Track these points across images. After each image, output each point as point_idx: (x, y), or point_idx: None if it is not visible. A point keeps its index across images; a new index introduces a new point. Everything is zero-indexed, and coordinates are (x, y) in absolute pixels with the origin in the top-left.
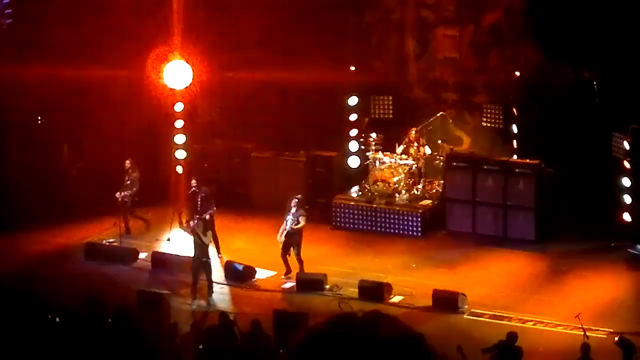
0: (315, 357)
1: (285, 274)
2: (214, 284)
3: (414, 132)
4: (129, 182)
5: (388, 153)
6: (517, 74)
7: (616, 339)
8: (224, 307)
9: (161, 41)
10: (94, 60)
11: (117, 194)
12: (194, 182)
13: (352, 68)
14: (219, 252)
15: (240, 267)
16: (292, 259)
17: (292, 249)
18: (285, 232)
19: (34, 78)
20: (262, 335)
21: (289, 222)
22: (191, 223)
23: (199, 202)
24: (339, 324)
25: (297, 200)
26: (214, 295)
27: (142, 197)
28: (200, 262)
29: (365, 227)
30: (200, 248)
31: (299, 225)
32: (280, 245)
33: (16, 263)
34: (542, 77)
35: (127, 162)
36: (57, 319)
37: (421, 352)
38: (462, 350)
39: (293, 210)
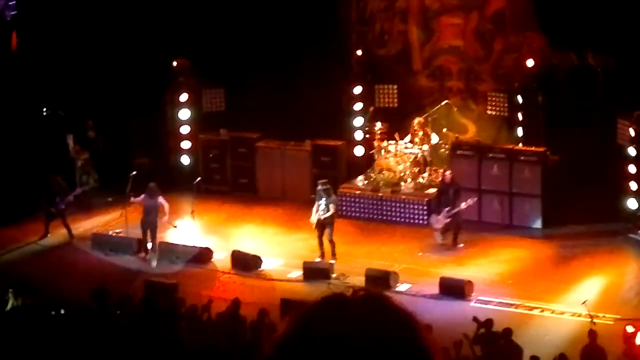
0: (299, 343)
1: (321, 257)
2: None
3: (418, 120)
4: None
5: (393, 142)
6: (531, 63)
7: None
8: (231, 296)
9: None
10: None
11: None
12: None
13: (359, 52)
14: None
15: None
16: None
17: (325, 231)
18: (317, 217)
19: None
20: (268, 324)
21: (321, 206)
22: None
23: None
24: (325, 306)
25: (325, 186)
26: (220, 284)
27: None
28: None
29: (371, 215)
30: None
31: (329, 214)
32: (314, 226)
33: (22, 254)
34: (546, 64)
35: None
36: (63, 311)
37: (414, 342)
38: (467, 337)
39: (324, 196)
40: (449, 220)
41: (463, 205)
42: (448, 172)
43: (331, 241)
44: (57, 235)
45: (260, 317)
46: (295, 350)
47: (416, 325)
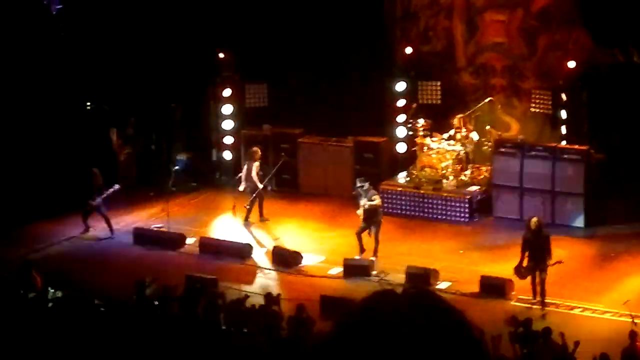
0: (350, 337)
1: (360, 254)
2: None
3: (461, 117)
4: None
5: (436, 139)
6: (572, 64)
7: None
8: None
9: None
10: None
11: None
12: None
13: (409, 50)
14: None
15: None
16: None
17: (371, 228)
18: (363, 210)
19: None
20: (307, 320)
21: (363, 202)
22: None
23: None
24: (376, 301)
25: (363, 184)
26: (260, 280)
27: (190, 182)
28: None
29: (412, 212)
30: None
31: (374, 202)
32: (361, 222)
33: (64, 248)
34: (591, 62)
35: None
36: (103, 306)
37: (465, 336)
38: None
39: (362, 194)
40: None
41: None
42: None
43: (376, 239)
44: (99, 229)
45: (298, 312)
46: (347, 343)
47: (467, 322)
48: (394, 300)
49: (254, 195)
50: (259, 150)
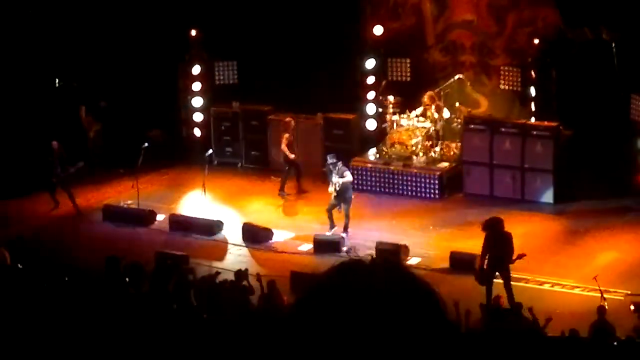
0: (317, 306)
1: (330, 230)
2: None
3: (430, 94)
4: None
5: (405, 115)
6: (536, 41)
7: (633, 306)
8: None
9: None
10: None
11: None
12: None
13: (378, 30)
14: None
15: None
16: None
17: (342, 205)
18: (334, 187)
19: None
20: (277, 296)
21: (333, 179)
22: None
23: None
24: (344, 271)
25: (333, 160)
26: (230, 256)
27: (160, 159)
28: None
29: (382, 189)
30: None
31: (345, 179)
32: (332, 198)
33: (34, 225)
34: (560, 39)
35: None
36: (74, 280)
37: (432, 306)
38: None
39: (333, 171)
40: None
41: None
42: None
43: (347, 216)
44: (68, 206)
45: (269, 288)
46: (314, 313)
47: (435, 292)
48: (361, 269)
49: (287, 167)
50: (292, 122)
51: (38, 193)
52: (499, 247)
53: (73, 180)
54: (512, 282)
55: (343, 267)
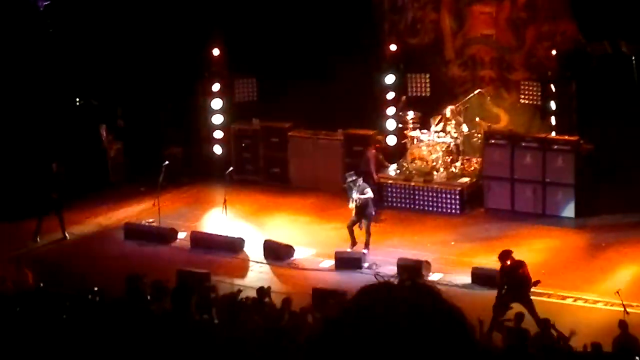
0: (344, 332)
1: (351, 247)
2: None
3: (451, 109)
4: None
5: (426, 131)
6: (554, 52)
7: None
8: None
9: None
10: None
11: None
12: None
13: (393, 47)
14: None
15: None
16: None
17: (362, 221)
18: (355, 203)
19: None
20: (291, 313)
21: (353, 196)
22: None
23: None
24: (372, 294)
25: (353, 177)
26: (252, 274)
27: (180, 177)
28: None
29: (403, 205)
30: None
31: (365, 196)
32: (352, 215)
33: (57, 244)
34: (579, 53)
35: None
36: (97, 299)
37: (461, 327)
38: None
39: (353, 188)
40: None
41: None
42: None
43: (368, 232)
44: (90, 225)
45: (285, 305)
46: (343, 335)
47: (464, 319)
48: (387, 293)
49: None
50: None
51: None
52: (512, 277)
53: (65, 205)
54: (533, 297)
55: (369, 291)
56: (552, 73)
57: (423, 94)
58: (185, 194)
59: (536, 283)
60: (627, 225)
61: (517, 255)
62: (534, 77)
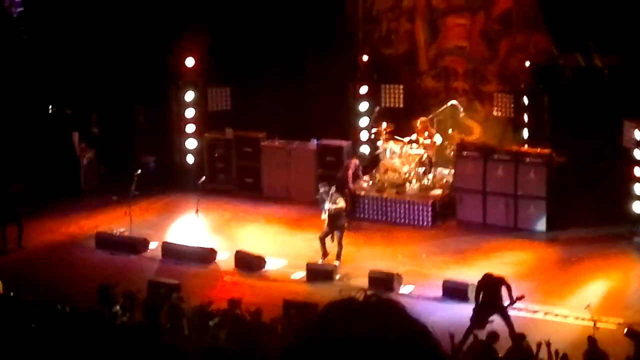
0: (312, 346)
1: (323, 258)
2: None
3: (423, 120)
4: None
5: (399, 142)
6: (527, 63)
7: (626, 330)
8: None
9: None
10: None
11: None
12: None
13: (365, 58)
14: None
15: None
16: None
17: (335, 232)
18: (327, 214)
19: None
20: (265, 324)
21: (327, 206)
22: None
23: None
24: (338, 310)
25: (326, 187)
26: (223, 284)
27: (153, 186)
28: None
29: (375, 217)
30: None
31: (338, 205)
32: (324, 226)
33: (26, 252)
34: (552, 65)
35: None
36: (67, 309)
37: (424, 342)
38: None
39: (325, 199)
40: None
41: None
42: None
43: (339, 244)
44: (62, 234)
45: (254, 317)
46: (308, 353)
47: (427, 333)
48: (353, 310)
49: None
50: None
51: (31, 220)
52: (487, 293)
53: (24, 214)
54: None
55: (333, 308)
56: (525, 85)
57: (397, 105)
58: (158, 204)
59: (520, 298)
60: (598, 239)
61: (489, 268)
62: (507, 89)
